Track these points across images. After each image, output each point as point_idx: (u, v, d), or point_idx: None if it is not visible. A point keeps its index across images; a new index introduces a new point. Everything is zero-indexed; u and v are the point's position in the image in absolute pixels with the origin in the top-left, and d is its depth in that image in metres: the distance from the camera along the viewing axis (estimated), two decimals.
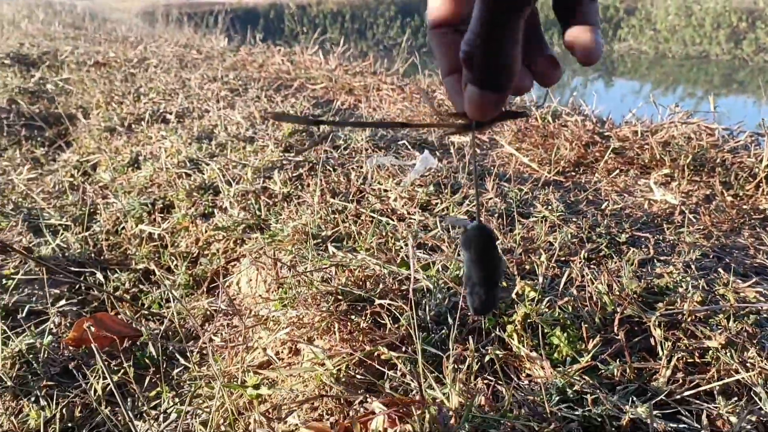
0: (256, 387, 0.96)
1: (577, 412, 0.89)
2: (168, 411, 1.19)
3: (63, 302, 1.56)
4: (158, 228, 1.74)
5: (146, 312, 1.51)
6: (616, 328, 1.04)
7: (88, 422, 1.22)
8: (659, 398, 0.92)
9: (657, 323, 1.04)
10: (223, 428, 1.07)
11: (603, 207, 1.58)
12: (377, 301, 1.11)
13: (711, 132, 1.93)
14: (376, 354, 1.04)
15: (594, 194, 1.70)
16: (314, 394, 0.99)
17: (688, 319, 1.06)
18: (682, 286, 1.16)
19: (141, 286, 1.65)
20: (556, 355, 1.03)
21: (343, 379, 1.02)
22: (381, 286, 1.17)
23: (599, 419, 0.89)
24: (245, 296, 1.47)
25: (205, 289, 1.56)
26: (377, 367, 1.01)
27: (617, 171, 1.87)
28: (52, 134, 2.93)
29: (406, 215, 1.53)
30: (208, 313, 1.47)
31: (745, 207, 1.59)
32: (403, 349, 1.05)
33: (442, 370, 0.98)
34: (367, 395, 0.93)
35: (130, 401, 1.27)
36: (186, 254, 1.65)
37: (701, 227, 1.48)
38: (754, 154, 1.80)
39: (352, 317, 1.10)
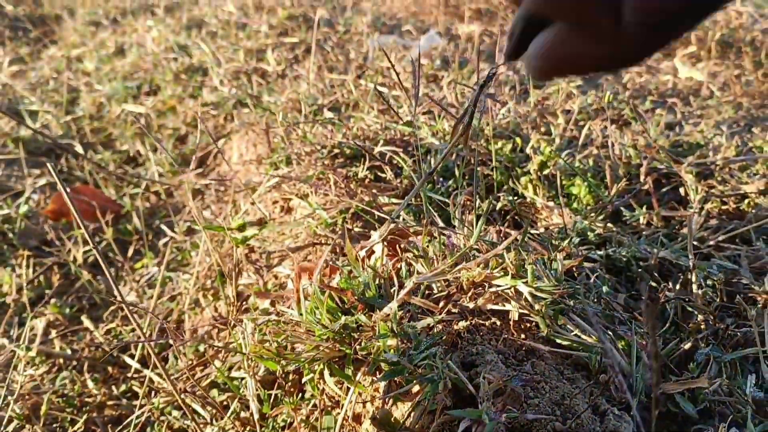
0: (241, 229, 0.86)
1: (599, 252, 0.79)
2: (153, 277, 1.11)
3: (42, 179, 1.46)
4: (143, 107, 1.62)
5: (131, 187, 1.41)
6: (642, 177, 0.94)
7: (68, 290, 1.14)
8: (687, 244, 0.83)
9: (688, 171, 0.94)
10: (208, 284, 0.98)
11: (624, 81, 1.46)
12: (377, 149, 1.00)
13: (739, 14, 1.79)
14: (375, 206, 0.94)
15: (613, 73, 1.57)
16: (306, 243, 0.89)
17: (723, 169, 0.96)
18: (713, 142, 1.05)
19: (126, 167, 1.55)
20: (575, 204, 0.93)
21: (339, 231, 0.92)
22: (382, 139, 1.06)
23: (624, 260, 0.79)
24: (236, 172, 1.37)
25: (193, 167, 1.46)
26: (378, 215, 0.91)
27: None
28: (37, 34, 2.78)
29: (410, 88, 1.41)
30: (197, 188, 1.37)
31: None
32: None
33: (450, 217, 0.88)
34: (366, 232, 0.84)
35: (112, 270, 1.18)
36: (174, 131, 1.54)
37: (730, 99, 1.36)
38: None
39: (351, 168, 1.00)
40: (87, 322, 0.98)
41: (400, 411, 0.58)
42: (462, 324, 0.60)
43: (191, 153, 1.48)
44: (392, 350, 0.57)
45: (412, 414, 0.54)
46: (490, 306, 0.62)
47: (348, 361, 0.63)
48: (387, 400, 0.57)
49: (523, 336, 0.61)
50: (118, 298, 0.91)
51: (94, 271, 1.17)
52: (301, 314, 0.66)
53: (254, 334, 0.68)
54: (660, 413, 0.57)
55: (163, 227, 1.21)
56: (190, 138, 1.53)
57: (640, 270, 0.78)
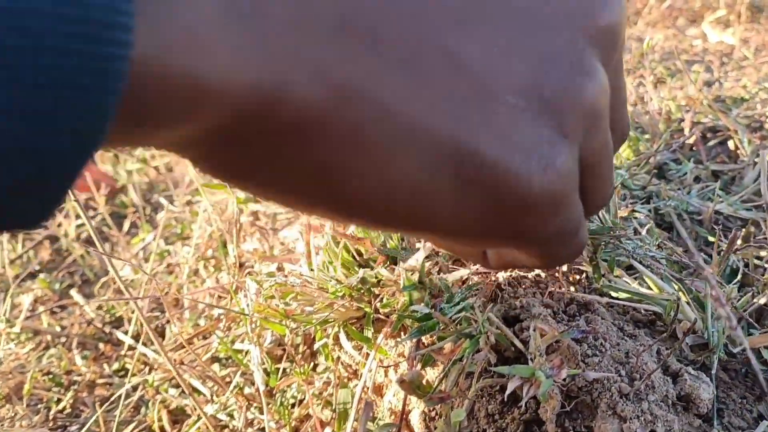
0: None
1: (646, 207, 0.70)
2: (150, 250, 1.02)
3: None
4: None
5: (129, 162, 1.33)
6: (687, 129, 0.85)
7: (59, 266, 1.06)
8: (745, 196, 0.74)
9: (738, 122, 0.84)
10: (209, 254, 0.90)
11: (653, 44, 1.36)
12: None
13: None
14: None
15: (638, 38, 1.48)
16: None
17: None
18: (759, 97, 0.96)
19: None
20: (615, 161, 0.83)
21: None
22: None
23: (675, 215, 0.70)
24: None
25: None
26: None
27: (664, 20, 1.64)
28: None
29: None
30: None
31: None
32: None
33: None
34: None
35: (107, 245, 1.10)
36: None
37: (766, 60, 1.26)
38: None
39: None
40: (77, 297, 0.90)
41: (431, 375, 0.49)
42: (501, 275, 0.52)
43: None
44: (421, 304, 0.48)
45: (446, 377, 0.45)
46: None
47: (367, 322, 0.54)
48: (415, 361, 0.49)
49: (573, 289, 0.52)
50: (111, 271, 0.82)
51: (88, 246, 1.09)
52: (311, 270, 0.57)
53: (258, 295, 0.59)
54: (739, 373, 0.48)
55: (162, 200, 1.13)
56: None
57: (692, 223, 0.69)
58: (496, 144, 0.22)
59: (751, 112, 0.89)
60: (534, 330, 0.43)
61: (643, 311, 0.51)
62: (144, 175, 1.29)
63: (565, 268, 0.52)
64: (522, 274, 0.53)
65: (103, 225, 1.09)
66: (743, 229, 0.66)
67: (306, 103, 0.20)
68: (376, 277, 0.53)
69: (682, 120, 0.89)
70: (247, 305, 0.60)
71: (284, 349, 0.70)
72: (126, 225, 1.13)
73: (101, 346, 0.84)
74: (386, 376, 0.57)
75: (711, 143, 0.86)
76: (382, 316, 0.54)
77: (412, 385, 0.44)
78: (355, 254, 0.56)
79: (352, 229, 0.56)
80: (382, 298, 0.53)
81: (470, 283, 0.51)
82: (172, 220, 1.06)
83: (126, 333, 0.82)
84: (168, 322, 0.82)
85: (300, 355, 0.66)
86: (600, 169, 0.28)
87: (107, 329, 0.86)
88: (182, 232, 1.05)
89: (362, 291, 0.54)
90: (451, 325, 0.47)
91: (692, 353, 0.48)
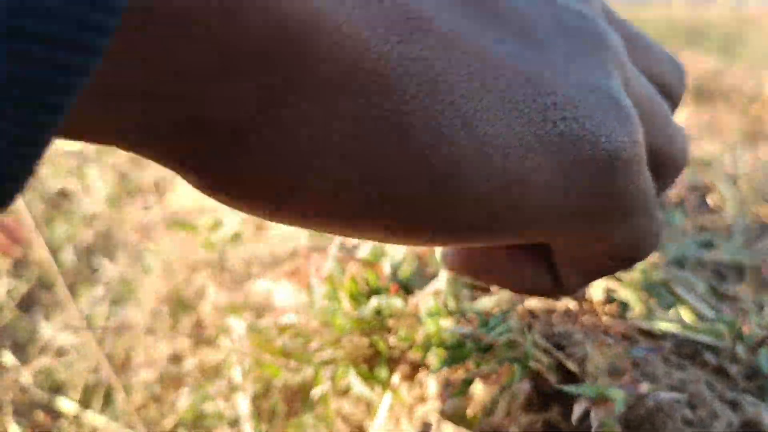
0: (213, 228, 0.70)
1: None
2: (88, 314, 0.91)
3: None
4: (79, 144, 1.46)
5: (64, 225, 1.23)
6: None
7: None
8: (740, 244, 0.73)
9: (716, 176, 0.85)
10: (164, 310, 0.81)
11: None
12: None
13: (704, 62, 1.82)
14: None
15: None
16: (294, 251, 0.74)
17: (750, 176, 0.88)
18: (726, 156, 0.99)
19: (54, 211, 1.35)
20: None
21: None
22: None
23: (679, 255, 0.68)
24: (191, 210, 1.21)
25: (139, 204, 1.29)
26: None
27: None
28: None
29: None
30: (144, 224, 1.19)
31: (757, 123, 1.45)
32: None
33: None
34: None
35: (43, 308, 0.98)
36: (113, 167, 1.38)
37: (715, 143, 1.32)
38: (754, 84, 1.69)
39: None
40: (11, 359, 0.78)
41: (470, 408, 0.42)
42: (534, 303, 0.47)
43: (136, 189, 1.32)
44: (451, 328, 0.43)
45: (494, 406, 0.39)
46: None
47: (381, 361, 0.48)
48: (447, 394, 0.42)
49: (605, 319, 0.48)
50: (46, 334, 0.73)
51: (21, 310, 0.97)
52: (312, 301, 0.51)
53: (247, 333, 0.52)
54: None
55: (104, 262, 1.03)
56: (132, 175, 1.36)
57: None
58: (573, 83, 0.18)
59: (722, 169, 0.91)
60: (592, 349, 0.38)
61: (687, 343, 0.47)
62: (81, 240, 1.18)
63: (601, 295, 0.48)
64: (549, 306, 0.49)
65: (38, 287, 0.98)
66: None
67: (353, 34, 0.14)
68: (390, 309, 0.48)
69: None
70: (235, 345, 0.52)
71: (271, 406, 0.62)
72: (61, 288, 1.02)
73: (40, 415, 0.72)
74: (397, 424, 0.50)
75: (691, 200, 0.86)
76: (395, 354, 0.47)
77: (455, 417, 0.38)
78: (362, 285, 0.50)
79: (361, 252, 0.51)
80: (396, 332, 0.47)
81: (501, 309, 0.46)
82: (116, 279, 0.97)
83: (68, 400, 0.71)
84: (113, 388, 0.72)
85: (287, 412, 0.58)
86: (656, 118, 0.24)
87: (45, 397, 0.75)
88: (130, 292, 0.96)
89: (374, 324, 0.48)
90: (489, 351, 0.41)
91: (743, 382, 0.44)
